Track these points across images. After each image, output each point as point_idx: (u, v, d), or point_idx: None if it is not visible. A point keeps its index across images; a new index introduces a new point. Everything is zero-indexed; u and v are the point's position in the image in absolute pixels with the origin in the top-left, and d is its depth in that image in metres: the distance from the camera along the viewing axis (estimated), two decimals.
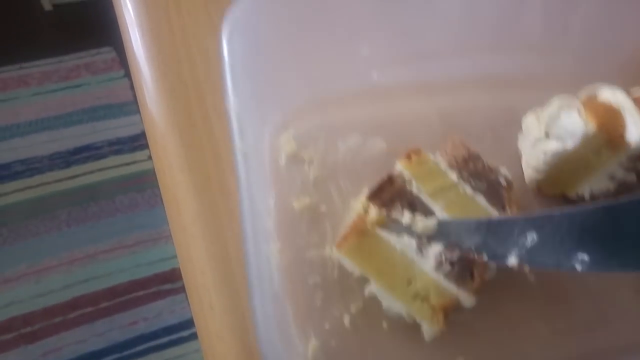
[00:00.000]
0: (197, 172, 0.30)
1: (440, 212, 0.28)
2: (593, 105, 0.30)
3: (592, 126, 0.29)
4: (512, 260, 0.24)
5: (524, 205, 0.33)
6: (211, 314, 0.26)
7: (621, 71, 0.39)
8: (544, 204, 0.34)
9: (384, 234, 0.27)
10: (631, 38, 0.40)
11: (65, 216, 1.15)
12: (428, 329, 0.26)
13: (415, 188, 0.29)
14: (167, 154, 0.31)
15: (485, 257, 0.25)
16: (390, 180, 0.29)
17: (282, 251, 0.26)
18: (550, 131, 0.32)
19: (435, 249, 0.27)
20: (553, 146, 0.31)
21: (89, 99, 1.32)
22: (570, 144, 0.30)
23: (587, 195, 0.33)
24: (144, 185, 1.22)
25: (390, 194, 0.28)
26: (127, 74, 1.37)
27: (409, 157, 0.29)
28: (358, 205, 0.31)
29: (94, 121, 1.29)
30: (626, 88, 0.33)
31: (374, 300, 0.27)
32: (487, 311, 0.28)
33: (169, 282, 1.10)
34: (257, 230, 0.20)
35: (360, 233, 0.26)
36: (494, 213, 0.29)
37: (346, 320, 0.26)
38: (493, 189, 0.30)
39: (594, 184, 0.32)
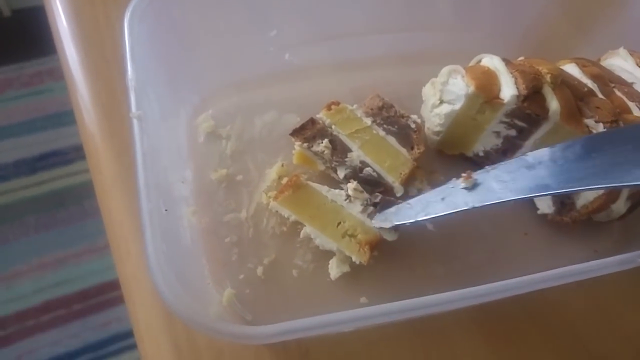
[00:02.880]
0: (117, 139, 0.33)
1: (357, 150, 0.33)
2: (473, 70, 0.34)
3: (472, 87, 0.33)
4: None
5: (429, 165, 0.37)
6: (128, 259, 0.29)
7: (519, 45, 0.43)
8: (446, 162, 0.38)
9: (317, 187, 0.31)
10: (528, 15, 0.44)
11: (34, 222, 1.15)
12: (340, 267, 0.30)
13: (334, 131, 0.33)
14: (91, 125, 0.34)
15: None
16: (312, 122, 0.33)
17: (196, 213, 0.29)
18: (442, 97, 0.35)
19: (361, 196, 0.31)
20: (445, 109, 0.35)
21: (53, 105, 1.32)
22: (457, 105, 0.34)
23: (481, 152, 0.37)
24: None
25: (312, 132, 0.33)
26: None
27: (329, 107, 0.34)
28: (273, 173, 0.34)
29: (60, 127, 1.29)
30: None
31: (285, 252, 0.31)
32: (389, 257, 0.32)
33: None
34: (154, 191, 0.23)
35: (296, 186, 0.31)
36: (402, 151, 0.34)
37: (259, 271, 0.30)
38: (403, 132, 0.35)
39: (484, 142, 0.36)
